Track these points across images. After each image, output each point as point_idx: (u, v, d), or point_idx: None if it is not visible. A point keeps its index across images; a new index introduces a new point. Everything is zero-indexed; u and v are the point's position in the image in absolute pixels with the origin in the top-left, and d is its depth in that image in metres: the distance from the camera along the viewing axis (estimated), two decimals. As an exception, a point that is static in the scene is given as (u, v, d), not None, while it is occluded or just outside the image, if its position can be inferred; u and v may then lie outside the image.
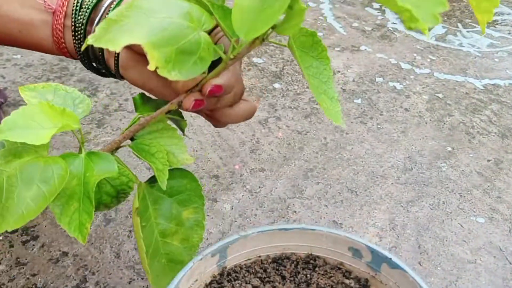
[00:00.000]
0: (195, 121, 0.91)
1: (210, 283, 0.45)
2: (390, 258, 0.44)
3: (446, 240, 0.72)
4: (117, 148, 0.46)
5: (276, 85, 1.04)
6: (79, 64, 1.06)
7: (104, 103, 0.95)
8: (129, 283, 0.64)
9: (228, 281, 0.45)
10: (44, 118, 0.36)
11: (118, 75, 0.55)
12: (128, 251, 0.68)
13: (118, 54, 0.53)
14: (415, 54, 1.18)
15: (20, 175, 0.36)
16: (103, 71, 0.59)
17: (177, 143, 0.47)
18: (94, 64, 0.58)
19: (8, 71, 1.02)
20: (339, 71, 1.10)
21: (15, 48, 1.10)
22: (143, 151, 0.44)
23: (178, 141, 0.47)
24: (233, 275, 0.46)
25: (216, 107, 0.46)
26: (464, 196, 0.80)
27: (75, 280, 0.64)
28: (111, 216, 0.72)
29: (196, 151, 0.85)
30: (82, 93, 0.97)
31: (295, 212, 0.75)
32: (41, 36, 0.55)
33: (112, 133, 0.88)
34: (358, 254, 0.46)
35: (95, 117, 0.91)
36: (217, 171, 0.82)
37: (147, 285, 0.63)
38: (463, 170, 0.85)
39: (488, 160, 0.87)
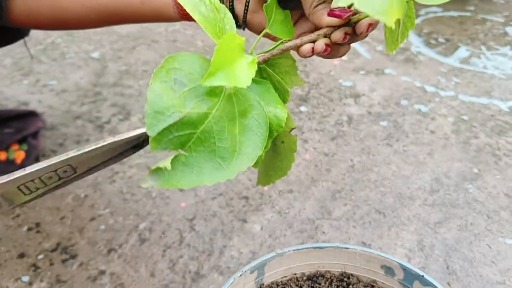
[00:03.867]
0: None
1: (248, 299, 0.47)
2: (422, 276, 0.45)
3: (475, 261, 0.73)
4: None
5: (303, 108, 1.06)
6: (112, 89, 1.10)
7: (137, 127, 0.98)
8: (164, 301, 0.66)
9: (265, 297, 0.47)
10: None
11: (243, 23, 0.54)
12: (162, 270, 0.70)
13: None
14: (439, 77, 1.20)
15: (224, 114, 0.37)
16: None
17: (291, 64, 0.47)
18: None
19: (45, 96, 1.07)
20: (364, 94, 1.12)
21: (51, 74, 1.15)
22: (274, 66, 0.46)
23: (292, 62, 0.47)
24: (270, 291, 0.47)
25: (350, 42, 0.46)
26: (492, 218, 0.81)
27: (112, 297, 0.66)
28: (145, 236, 0.75)
29: (226, 172, 0.87)
30: (115, 117, 1.01)
31: (324, 233, 0.77)
32: (163, 2, 0.56)
33: (145, 155, 0.91)
34: (390, 272, 0.47)
35: (128, 140, 0.94)
36: (246, 192, 0.84)
37: (182, 303, 0.65)
38: (490, 192, 0.86)
39: (516, 182, 0.88)
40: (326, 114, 1.04)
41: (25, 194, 0.36)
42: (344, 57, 1.26)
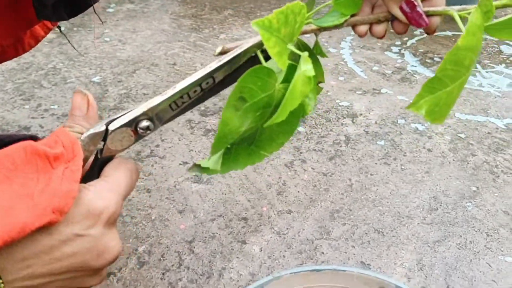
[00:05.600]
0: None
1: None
2: (419, 297, 0.46)
3: (475, 280, 0.73)
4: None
5: (300, 129, 1.07)
6: (112, 113, 1.11)
7: (137, 149, 0.99)
8: (164, 325, 0.66)
9: (262, 320, 0.47)
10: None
11: None
12: (162, 293, 0.70)
13: None
14: (435, 96, 1.21)
15: None
16: None
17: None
18: None
19: (46, 121, 1.08)
20: (361, 114, 1.13)
21: (52, 99, 1.16)
22: None
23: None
24: (267, 314, 0.48)
25: None
26: (491, 235, 0.81)
27: (112, 321, 0.66)
28: (144, 259, 0.75)
29: (225, 194, 0.88)
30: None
31: (323, 253, 0.77)
32: None
33: (145, 178, 0.91)
34: (387, 293, 0.48)
35: (128, 163, 0.95)
36: (245, 213, 0.84)
37: (181, 327, 0.65)
38: (488, 209, 0.86)
39: (514, 199, 0.88)
40: (324, 134, 1.05)
41: (172, 110, 0.39)
42: (340, 77, 1.27)
